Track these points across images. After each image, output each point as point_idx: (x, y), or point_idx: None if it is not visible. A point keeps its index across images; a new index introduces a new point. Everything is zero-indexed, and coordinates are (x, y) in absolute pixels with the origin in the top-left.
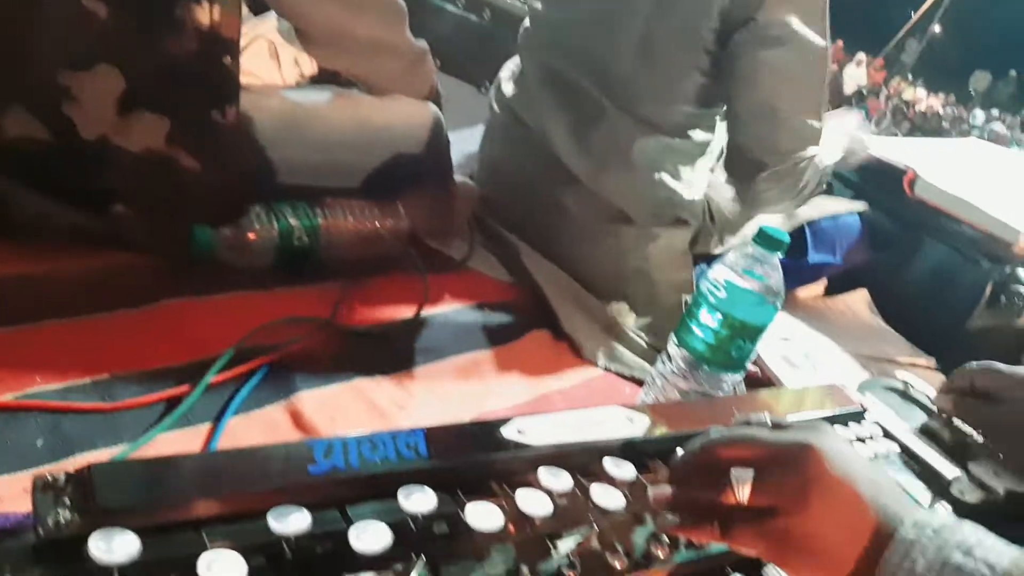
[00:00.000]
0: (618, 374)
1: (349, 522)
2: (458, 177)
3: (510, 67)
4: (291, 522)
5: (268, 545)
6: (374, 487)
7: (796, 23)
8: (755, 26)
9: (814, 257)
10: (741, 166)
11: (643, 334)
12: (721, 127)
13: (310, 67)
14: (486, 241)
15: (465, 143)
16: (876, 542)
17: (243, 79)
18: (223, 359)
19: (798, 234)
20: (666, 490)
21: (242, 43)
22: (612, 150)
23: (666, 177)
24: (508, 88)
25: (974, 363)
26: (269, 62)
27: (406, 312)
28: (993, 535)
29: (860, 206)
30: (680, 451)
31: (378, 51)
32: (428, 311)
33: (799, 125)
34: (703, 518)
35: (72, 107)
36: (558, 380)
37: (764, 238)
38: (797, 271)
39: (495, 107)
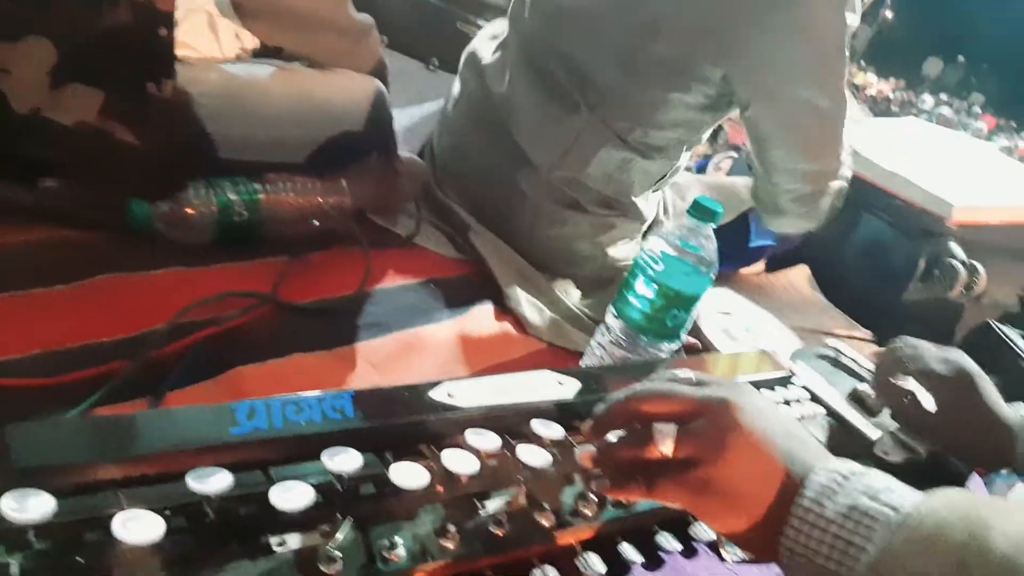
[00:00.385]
0: (562, 348)
1: (272, 482)
2: (405, 153)
3: (492, 30)
4: (212, 483)
5: (189, 506)
6: (298, 449)
7: (808, 92)
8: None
9: (755, 241)
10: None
11: (587, 310)
12: (686, 156)
13: (252, 41)
14: (434, 217)
15: (413, 120)
16: (788, 489)
17: (180, 52)
18: (160, 333)
19: (741, 219)
20: (592, 449)
21: (179, 16)
22: (573, 150)
23: (617, 187)
24: (486, 52)
25: (904, 346)
26: (208, 35)
27: (349, 288)
28: (899, 482)
29: None
30: (601, 405)
31: (319, 26)
32: (372, 287)
33: (821, 168)
34: (628, 475)
35: (3, 79)
36: (502, 354)
37: (699, 209)
38: (740, 255)
39: (465, 70)
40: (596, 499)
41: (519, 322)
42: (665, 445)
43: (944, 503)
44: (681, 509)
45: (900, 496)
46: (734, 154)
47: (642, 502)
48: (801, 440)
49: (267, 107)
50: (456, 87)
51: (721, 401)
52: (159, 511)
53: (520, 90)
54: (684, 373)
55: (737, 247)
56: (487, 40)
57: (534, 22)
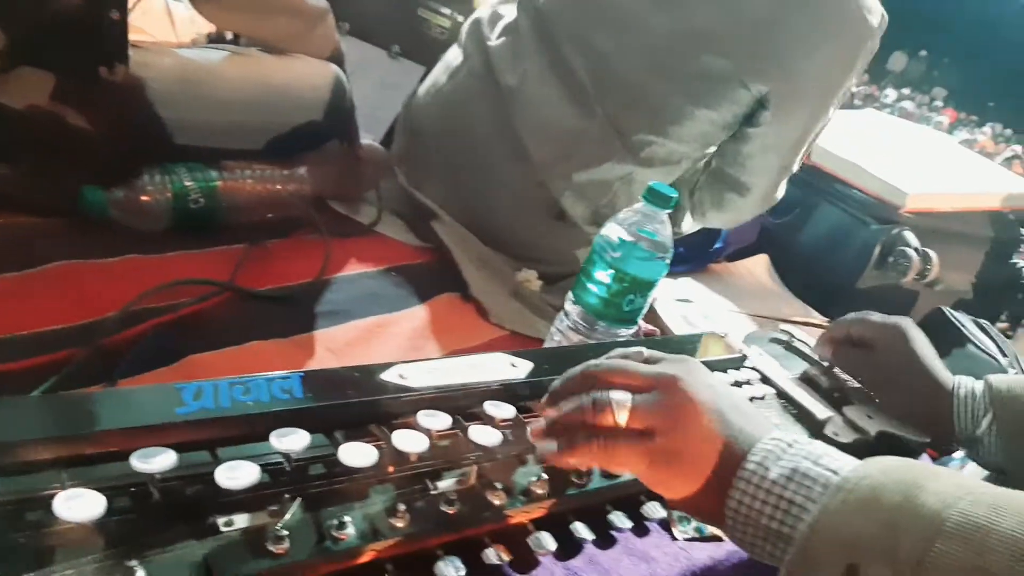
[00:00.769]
0: (523, 335)
1: (219, 462)
2: (366, 140)
3: (495, 8)
4: (156, 462)
5: (133, 486)
6: (246, 429)
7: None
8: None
9: (717, 245)
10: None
11: (549, 298)
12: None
13: (207, 26)
14: (396, 205)
15: (374, 108)
16: (734, 457)
17: (134, 37)
18: (113, 320)
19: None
20: (543, 423)
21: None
22: (578, 152)
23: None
24: (491, 32)
25: (851, 314)
26: (163, 20)
27: (308, 275)
28: (840, 450)
29: None
30: (557, 380)
31: (273, 10)
32: (332, 275)
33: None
34: (583, 440)
35: None
36: (463, 342)
37: (654, 195)
38: (704, 257)
39: (468, 43)
40: (548, 478)
41: (480, 310)
42: (620, 414)
43: (880, 468)
44: (631, 476)
45: (840, 461)
46: None
47: (596, 482)
48: (748, 414)
49: (222, 92)
50: (456, 56)
51: (673, 377)
52: (102, 490)
53: (532, 80)
54: (637, 350)
55: (699, 251)
56: (491, 16)
57: (556, 5)
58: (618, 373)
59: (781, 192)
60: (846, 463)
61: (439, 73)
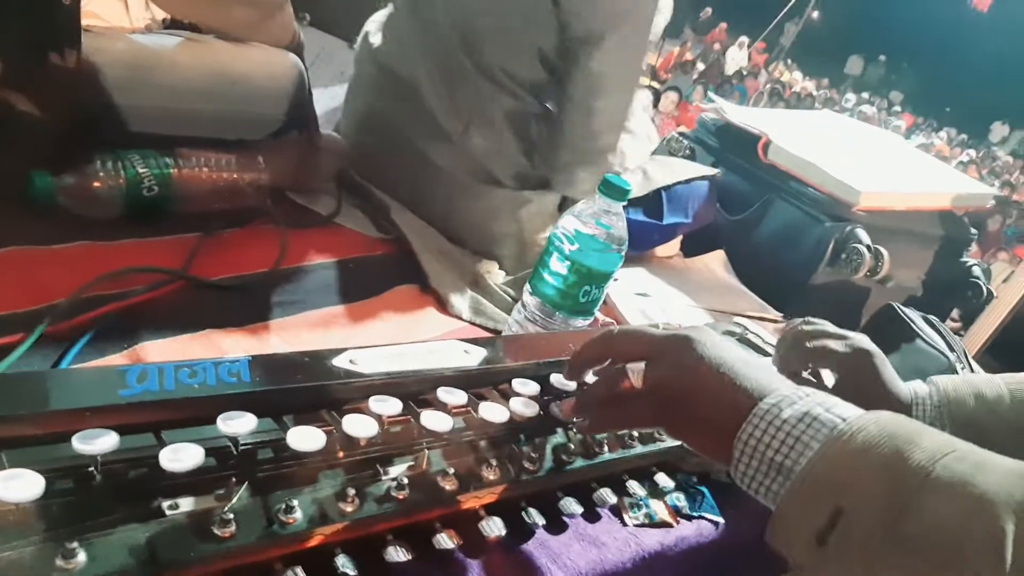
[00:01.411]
0: (482, 327)
1: (163, 445)
2: (325, 131)
3: (379, 18)
4: (98, 444)
5: (75, 468)
6: (192, 412)
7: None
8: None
9: (668, 219)
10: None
11: (510, 289)
12: None
13: (162, 12)
14: (355, 198)
15: (334, 99)
16: (748, 402)
17: (86, 21)
18: (62, 306)
19: (655, 197)
20: (570, 401)
21: None
22: (476, 110)
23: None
24: (376, 39)
25: (806, 323)
26: (116, 5)
27: (264, 265)
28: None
29: (711, 172)
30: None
31: None
32: (289, 265)
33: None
34: (605, 407)
35: None
36: (422, 334)
37: (609, 187)
38: (654, 231)
39: (362, 60)
40: (498, 463)
41: (440, 301)
42: (636, 380)
43: (877, 421)
44: (584, 463)
45: (850, 410)
46: None
47: (547, 467)
48: (761, 368)
49: (177, 79)
50: (355, 74)
51: (684, 337)
52: (43, 472)
53: (419, 60)
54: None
55: (652, 226)
56: (376, 31)
57: None
58: (632, 337)
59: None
60: (854, 410)
61: (347, 94)
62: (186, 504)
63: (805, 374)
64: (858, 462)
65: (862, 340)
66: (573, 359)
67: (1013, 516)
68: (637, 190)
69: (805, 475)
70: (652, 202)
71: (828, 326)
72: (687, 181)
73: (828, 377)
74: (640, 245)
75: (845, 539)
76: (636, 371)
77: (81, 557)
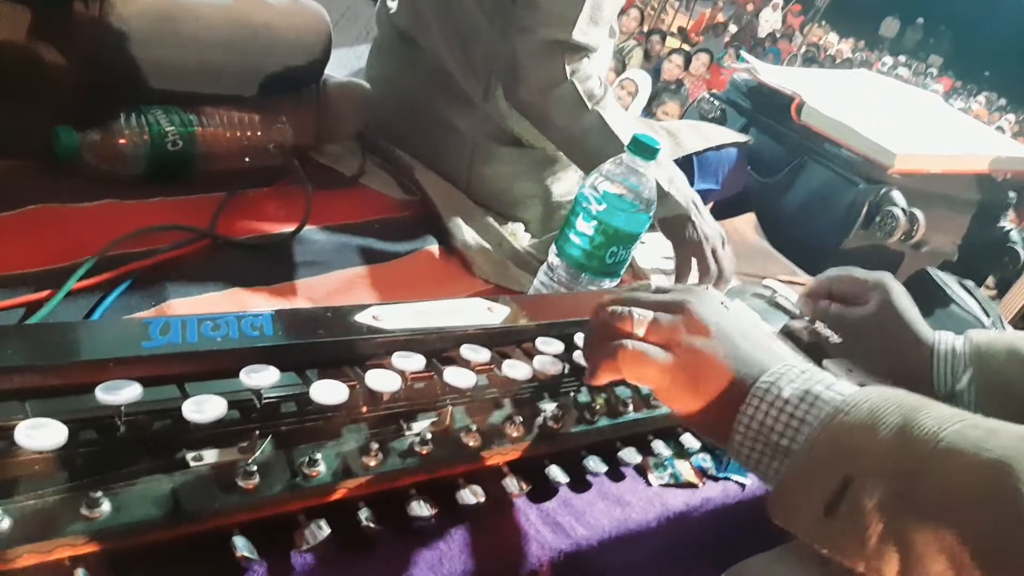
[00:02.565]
0: (507, 289)
1: (186, 397)
2: (349, 77)
3: None
4: (121, 394)
5: (99, 418)
6: (215, 365)
7: None
8: None
9: (699, 185)
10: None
11: (535, 252)
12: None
13: None
14: (380, 160)
15: (360, 59)
16: (746, 380)
17: None
18: (89, 263)
19: (685, 163)
20: None
21: None
22: (495, 72)
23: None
24: (392, 3)
25: (833, 269)
26: None
27: (289, 225)
28: (851, 380)
29: (743, 138)
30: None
31: None
32: (314, 225)
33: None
34: (613, 347)
35: None
36: (445, 294)
37: (638, 146)
38: None
39: (381, 23)
40: (523, 421)
41: (465, 263)
42: (639, 328)
43: (880, 393)
44: (608, 421)
45: (850, 388)
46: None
47: (571, 426)
48: (759, 341)
49: (202, 32)
50: (376, 36)
51: (685, 300)
52: (67, 422)
53: (434, 22)
54: (646, 284)
55: None
56: None
57: None
58: (632, 300)
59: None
60: (854, 388)
61: (368, 59)
62: (210, 456)
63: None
64: (865, 431)
65: (885, 273)
66: (585, 329)
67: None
68: (668, 155)
69: (810, 446)
70: (683, 168)
71: (854, 268)
72: (719, 147)
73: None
74: None
75: (856, 506)
76: (641, 315)
77: (105, 506)
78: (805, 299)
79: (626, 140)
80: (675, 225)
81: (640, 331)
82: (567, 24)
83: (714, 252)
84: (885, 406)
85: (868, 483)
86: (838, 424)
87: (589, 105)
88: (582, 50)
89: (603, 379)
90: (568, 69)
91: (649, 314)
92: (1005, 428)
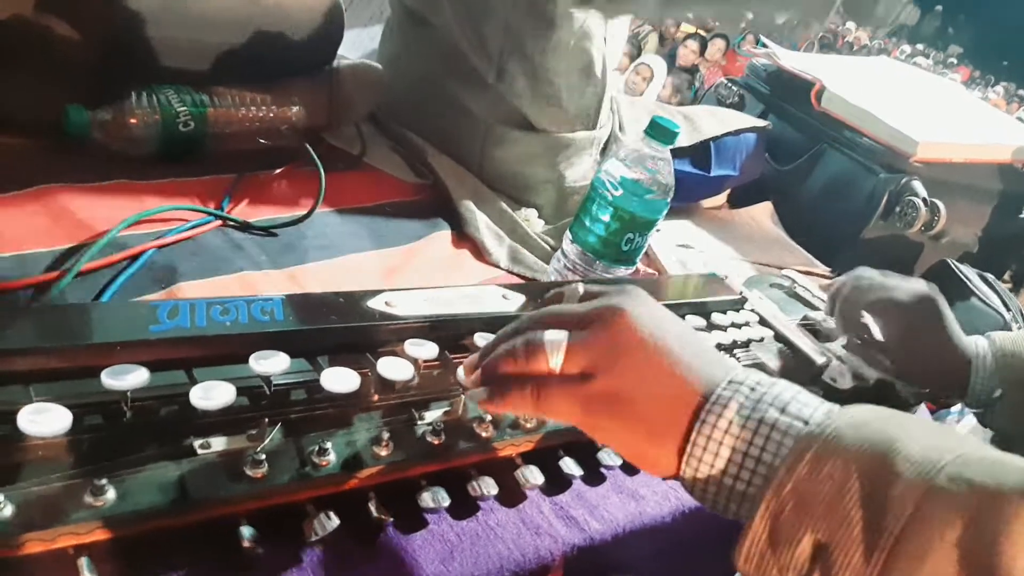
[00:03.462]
0: (520, 276)
1: (194, 383)
2: (362, 59)
3: None
4: (128, 379)
5: (105, 403)
6: (224, 350)
7: None
8: None
9: (716, 170)
10: None
11: (549, 238)
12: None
13: None
14: (391, 141)
15: (373, 40)
16: (687, 401)
17: None
18: (99, 244)
19: (702, 148)
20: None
21: None
22: (508, 51)
23: (567, 80)
24: None
25: (860, 276)
26: None
27: (301, 208)
28: (808, 392)
29: (761, 124)
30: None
31: None
32: (326, 208)
33: None
34: (516, 387)
35: None
36: (458, 280)
37: (657, 130)
38: (701, 183)
39: (391, 5)
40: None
41: (477, 248)
42: (554, 356)
43: (852, 424)
44: (572, 425)
45: (810, 407)
46: None
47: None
48: (700, 349)
49: (213, 11)
50: (388, 17)
51: (613, 307)
52: (72, 407)
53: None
54: (573, 287)
55: (698, 177)
56: None
57: None
58: (552, 316)
59: None
60: (816, 408)
61: (380, 42)
62: (217, 443)
63: (864, 322)
64: (834, 482)
65: (923, 286)
66: (485, 351)
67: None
68: (685, 139)
69: (772, 508)
70: (700, 153)
71: (885, 275)
72: (736, 132)
73: (875, 331)
74: (686, 197)
75: None
76: (555, 344)
77: (110, 494)
78: (840, 310)
79: None
80: None
81: (555, 361)
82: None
83: None
84: (859, 441)
85: (844, 553)
86: (805, 471)
87: None
88: None
89: (506, 411)
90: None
91: (563, 337)
92: (997, 471)
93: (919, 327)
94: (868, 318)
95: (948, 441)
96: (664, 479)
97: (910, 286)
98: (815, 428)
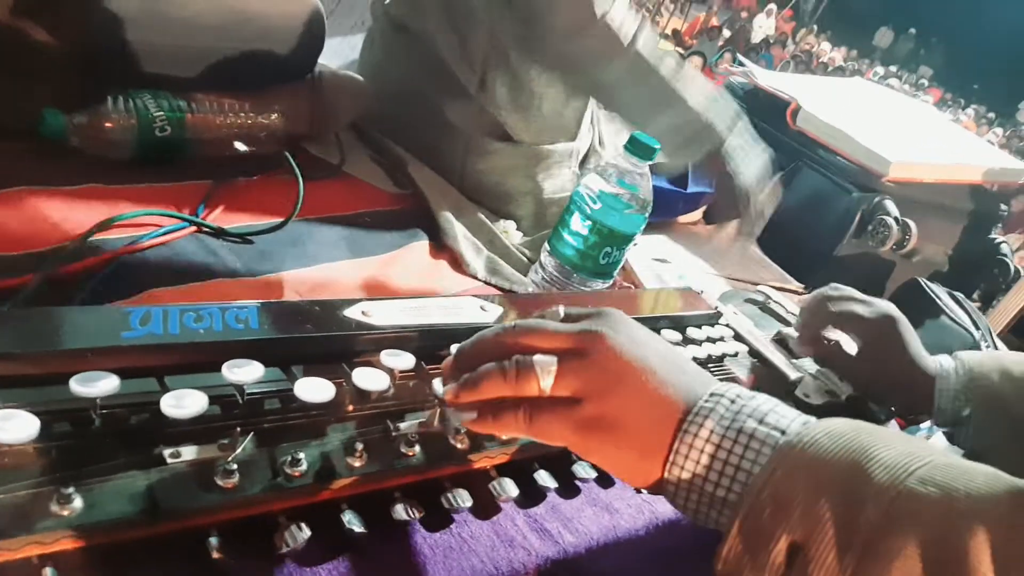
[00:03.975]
0: (497, 287)
1: (166, 391)
2: (344, 71)
3: None
4: (97, 386)
5: (74, 411)
6: (197, 358)
7: None
8: None
9: (693, 187)
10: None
11: (527, 250)
12: None
13: None
14: (371, 151)
15: (354, 50)
16: (672, 417)
17: None
18: (72, 248)
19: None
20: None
21: None
22: (492, 61)
23: (549, 92)
24: None
25: (830, 297)
26: None
27: (278, 216)
28: (786, 405)
29: None
30: (466, 342)
31: None
32: (303, 216)
33: None
34: (506, 408)
35: None
36: (436, 291)
37: (636, 145)
38: (678, 199)
39: (375, 13)
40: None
41: (455, 259)
42: (545, 379)
43: (828, 433)
44: (561, 447)
45: (787, 419)
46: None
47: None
48: (682, 368)
49: (189, 13)
50: (369, 26)
51: (597, 334)
52: (39, 414)
53: (430, 10)
54: (554, 309)
55: (675, 194)
56: None
57: None
58: (536, 334)
59: None
60: (793, 419)
61: (361, 50)
62: (188, 452)
63: (828, 335)
64: (809, 485)
65: (888, 307)
66: (461, 352)
67: (987, 546)
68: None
69: (749, 510)
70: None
71: (854, 292)
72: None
73: (848, 344)
74: (664, 213)
75: None
76: (545, 366)
77: (77, 503)
78: (805, 345)
79: (673, 78)
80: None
81: (546, 383)
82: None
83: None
84: (833, 449)
85: (818, 554)
86: (781, 476)
87: (624, 44)
88: None
89: (497, 433)
90: (598, 11)
91: (553, 362)
92: (963, 476)
93: (880, 343)
94: (832, 332)
95: (920, 449)
96: (652, 493)
97: (874, 304)
98: (792, 437)
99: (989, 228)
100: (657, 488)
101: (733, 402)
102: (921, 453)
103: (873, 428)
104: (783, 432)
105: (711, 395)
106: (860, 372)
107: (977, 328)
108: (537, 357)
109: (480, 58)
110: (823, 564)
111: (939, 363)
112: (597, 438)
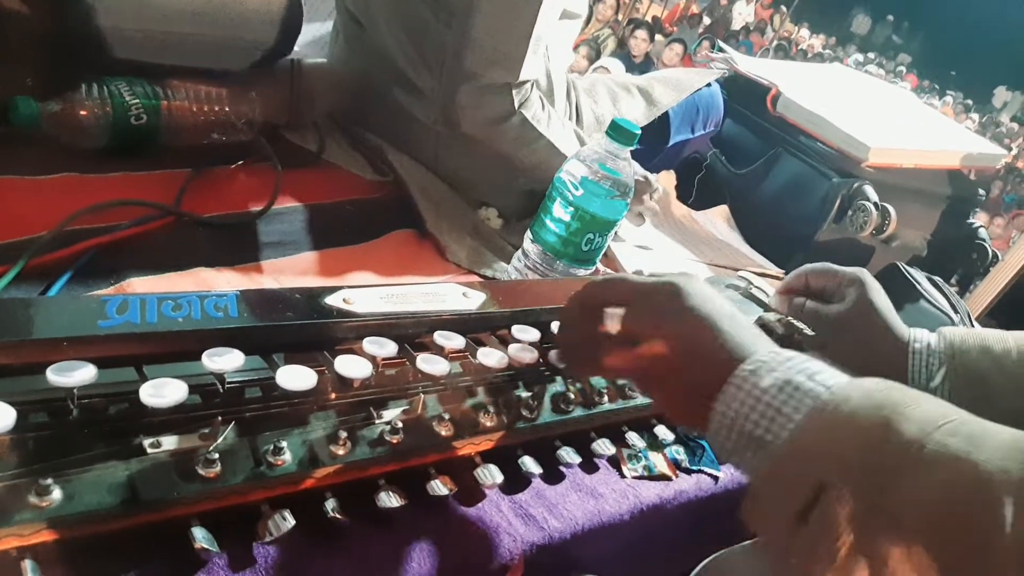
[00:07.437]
0: (480, 275)
1: (144, 380)
2: (318, 60)
3: None
4: (74, 376)
5: (50, 401)
6: (176, 347)
7: None
8: None
9: (675, 137)
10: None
11: (509, 237)
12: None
13: None
14: (351, 140)
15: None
16: (727, 363)
17: None
18: (46, 238)
19: (661, 119)
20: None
21: None
22: (445, 64)
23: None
24: None
25: (808, 265)
26: None
27: (257, 204)
28: (836, 368)
29: (714, 75)
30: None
31: None
32: (283, 204)
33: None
34: (584, 353)
35: None
36: (417, 277)
37: (618, 131)
38: (659, 155)
39: (336, 7)
40: (495, 412)
41: (438, 247)
42: (613, 326)
43: (863, 390)
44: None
45: (836, 378)
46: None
47: (545, 416)
48: (743, 325)
49: (168, 0)
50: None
51: (668, 283)
52: (14, 404)
53: (383, 14)
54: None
55: (657, 147)
56: None
57: None
58: (617, 284)
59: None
60: (841, 378)
61: (329, 43)
62: (168, 442)
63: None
64: (842, 435)
65: (859, 270)
66: (560, 312)
67: (1011, 496)
68: (643, 119)
69: (785, 449)
70: (658, 125)
71: (829, 264)
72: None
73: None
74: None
75: (828, 516)
76: (614, 315)
77: (56, 494)
78: (781, 296)
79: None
80: None
81: (614, 328)
82: (514, 64)
83: None
84: (867, 405)
85: (842, 492)
86: (817, 424)
87: (539, 131)
88: (527, 81)
89: (581, 376)
90: (516, 102)
91: (620, 311)
92: (991, 435)
93: (846, 302)
94: (809, 279)
95: (948, 409)
96: (693, 430)
97: (845, 268)
98: (836, 390)
99: (968, 213)
100: (701, 424)
101: (789, 359)
102: (949, 412)
103: (905, 388)
104: (828, 387)
105: (768, 351)
106: (833, 326)
107: (956, 312)
108: (608, 310)
109: (436, 61)
110: (844, 500)
111: (914, 333)
112: (655, 374)
